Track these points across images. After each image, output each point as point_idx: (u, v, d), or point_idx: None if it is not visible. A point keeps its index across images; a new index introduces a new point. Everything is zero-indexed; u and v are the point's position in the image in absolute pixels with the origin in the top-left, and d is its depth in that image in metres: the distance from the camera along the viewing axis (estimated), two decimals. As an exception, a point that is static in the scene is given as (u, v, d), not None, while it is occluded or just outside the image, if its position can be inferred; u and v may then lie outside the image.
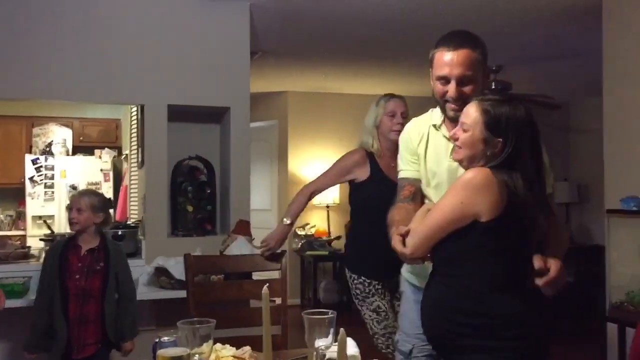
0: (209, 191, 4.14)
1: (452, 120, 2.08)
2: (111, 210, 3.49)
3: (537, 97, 6.05)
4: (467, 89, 2.02)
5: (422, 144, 2.19)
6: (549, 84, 6.40)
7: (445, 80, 2.03)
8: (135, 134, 5.05)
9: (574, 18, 4.46)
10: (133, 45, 3.95)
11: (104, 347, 2.98)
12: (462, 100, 2.00)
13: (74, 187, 6.91)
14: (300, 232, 7.25)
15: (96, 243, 3.03)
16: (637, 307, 2.92)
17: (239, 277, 3.23)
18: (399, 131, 2.40)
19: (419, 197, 2.23)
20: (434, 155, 2.17)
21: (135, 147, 4.99)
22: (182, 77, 4.01)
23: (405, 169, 2.25)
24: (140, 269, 3.59)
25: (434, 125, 2.18)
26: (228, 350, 1.90)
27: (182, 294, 3.01)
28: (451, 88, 2.02)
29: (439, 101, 2.09)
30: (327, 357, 1.52)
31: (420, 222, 1.87)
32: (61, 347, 2.88)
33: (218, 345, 1.86)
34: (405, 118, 3.02)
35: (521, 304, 1.74)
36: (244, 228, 3.89)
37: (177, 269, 3.45)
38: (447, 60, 2.01)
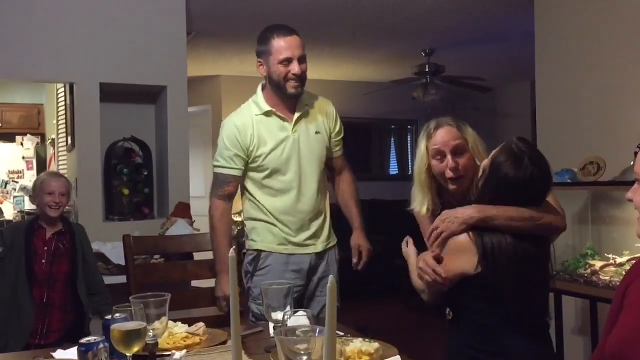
0: (145, 173, 4.01)
1: (291, 98, 2.37)
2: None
3: (469, 79, 6.21)
4: (303, 66, 2.34)
5: (255, 136, 2.36)
6: (477, 67, 6.57)
7: (288, 61, 2.31)
8: (63, 116, 4.82)
9: (502, 2, 4.58)
10: (62, 20, 3.74)
11: (69, 333, 2.84)
12: (301, 79, 2.34)
13: (-7, 176, 6.54)
14: (237, 219, 7.17)
15: (60, 226, 2.94)
16: (572, 275, 3.04)
17: (180, 258, 3.15)
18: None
19: (234, 195, 2.46)
20: (274, 142, 2.37)
21: (64, 130, 4.76)
22: (115, 55, 3.84)
23: (231, 165, 2.39)
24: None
25: (265, 113, 2.38)
26: (181, 327, 1.85)
27: (122, 279, 2.90)
28: (295, 67, 2.31)
29: (280, 82, 2.33)
30: (288, 326, 1.48)
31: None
32: (25, 334, 2.74)
33: (170, 323, 1.80)
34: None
35: (534, 340, 1.75)
36: (183, 210, 3.80)
37: (115, 254, 3.33)
38: (288, 44, 2.32)
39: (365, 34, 5.60)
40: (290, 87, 2.35)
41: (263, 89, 2.44)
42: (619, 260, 2.89)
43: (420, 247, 1.99)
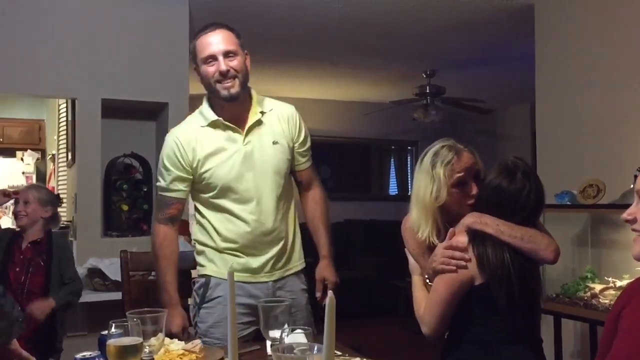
0: (145, 190, 4.00)
1: (228, 100, 2.07)
2: (59, 209, 3.33)
3: (469, 101, 6.24)
4: (233, 62, 2.06)
5: (199, 151, 2.09)
6: (478, 89, 6.60)
7: (213, 58, 2.05)
8: (64, 132, 4.83)
9: (503, 24, 4.62)
10: (65, 35, 3.76)
11: (38, 347, 2.80)
12: (231, 77, 2.05)
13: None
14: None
15: (38, 236, 2.94)
16: (572, 298, 3.02)
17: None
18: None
19: (180, 216, 2.20)
20: (222, 157, 2.09)
21: (65, 145, 4.77)
22: (118, 71, 3.85)
23: (172, 188, 2.13)
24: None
25: (212, 123, 2.10)
26: (177, 344, 1.83)
27: (117, 295, 2.87)
28: (219, 64, 2.04)
29: (210, 85, 2.07)
30: (286, 344, 1.47)
31: (424, 301, 1.83)
32: None
33: (167, 340, 1.78)
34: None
35: (531, 354, 1.77)
36: (181, 228, 3.77)
37: (112, 270, 3.31)
38: (210, 40, 2.06)
39: (366, 55, 5.63)
40: (222, 88, 2.06)
41: (209, 99, 2.16)
42: (619, 283, 2.88)
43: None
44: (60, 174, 5.14)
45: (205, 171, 2.10)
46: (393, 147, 8.39)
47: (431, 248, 1.88)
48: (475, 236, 1.75)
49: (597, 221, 3.21)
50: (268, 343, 1.72)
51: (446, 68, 5.99)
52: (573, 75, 3.60)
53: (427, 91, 6.15)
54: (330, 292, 0.80)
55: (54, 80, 3.75)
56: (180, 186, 2.14)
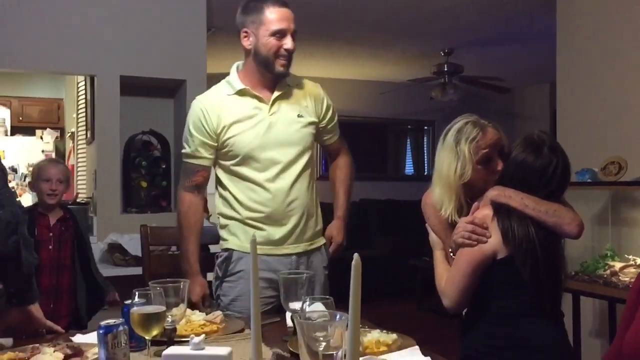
0: (163, 167, 4.03)
1: (281, 77, 2.12)
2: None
3: (487, 79, 6.17)
4: (295, 44, 2.10)
5: (225, 118, 2.10)
6: (496, 68, 6.52)
7: (282, 34, 2.06)
8: (83, 110, 4.86)
9: (523, 1, 4.54)
10: (84, 12, 3.77)
11: (76, 319, 2.85)
12: (290, 56, 2.10)
13: (13, 169, 6.61)
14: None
15: (62, 212, 2.90)
16: (591, 276, 3.00)
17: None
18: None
19: (206, 185, 2.20)
20: (246, 125, 2.10)
21: (84, 123, 4.80)
22: (136, 48, 3.86)
23: (198, 154, 2.14)
24: (92, 246, 3.46)
25: (239, 92, 2.12)
26: (198, 315, 1.85)
27: (138, 270, 2.90)
28: (288, 42, 2.07)
29: (269, 57, 2.08)
30: (308, 317, 1.48)
31: (445, 274, 1.83)
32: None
33: (188, 311, 1.81)
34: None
35: (552, 327, 1.76)
36: (200, 204, 3.80)
37: (132, 245, 3.34)
38: (284, 15, 2.07)
39: (383, 33, 5.58)
40: (279, 64, 2.09)
41: (237, 69, 2.19)
42: (639, 261, 2.85)
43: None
44: (79, 151, 5.19)
45: (229, 137, 2.11)
46: (409, 126, 8.34)
47: (453, 225, 1.86)
48: (500, 209, 1.74)
49: (618, 199, 3.18)
50: (288, 314, 1.74)
51: (464, 46, 5.92)
52: (595, 52, 3.54)
53: (445, 69, 6.10)
54: (356, 255, 0.80)
55: (73, 57, 3.76)
56: (205, 153, 2.14)
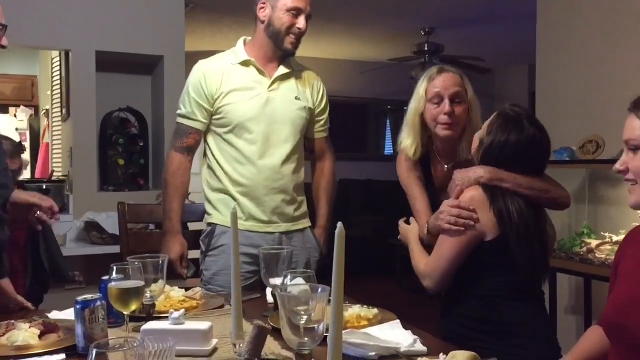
0: (141, 144, 3.97)
1: (288, 55, 2.18)
2: (23, 156, 3.21)
3: (467, 59, 6.17)
4: (307, 26, 2.16)
5: (224, 84, 2.13)
6: (476, 48, 6.52)
7: (297, 12, 2.12)
8: (57, 87, 4.76)
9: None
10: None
11: (30, 299, 2.81)
12: (301, 37, 2.16)
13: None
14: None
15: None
16: (567, 253, 3.04)
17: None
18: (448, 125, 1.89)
19: (196, 149, 2.22)
20: (244, 95, 2.13)
21: (58, 100, 4.71)
22: (112, 23, 3.78)
23: (193, 117, 2.16)
24: (68, 224, 3.41)
25: (244, 62, 2.15)
26: (178, 292, 1.84)
27: (115, 249, 2.87)
28: (301, 21, 2.13)
29: (280, 32, 2.12)
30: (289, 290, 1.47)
31: (423, 256, 1.80)
32: None
33: (167, 287, 1.79)
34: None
35: (532, 309, 1.73)
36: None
37: (109, 223, 3.31)
38: None
39: (364, 11, 5.54)
40: (289, 42, 2.13)
41: (245, 43, 2.21)
42: (615, 238, 2.89)
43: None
44: (54, 129, 5.09)
45: (225, 105, 2.13)
46: (389, 106, 8.33)
47: (420, 178, 1.95)
48: (492, 192, 1.69)
49: (595, 177, 3.22)
50: (268, 290, 1.73)
51: (445, 25, 5.91)
52: (574, 32, 3.55)
53: (426, 49, 6.08)
54: (339, 224, 0.79)
55: (47, 32, 3.67)
56: (200, 117, 2.16)
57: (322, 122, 2.33)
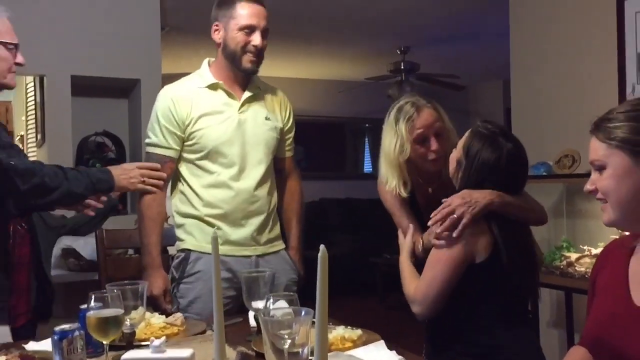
0: (118, 169, 3.92)
1: (248, 74, 2.12)
2: None
3: (443, 77, 6.25)
4: (265, 42, 2.10)
5: (194, 110, 2.08)
6: (452, 66, 6.61)
7: (251, 30, 2.06)
8: (32, 112, 4.70)
9: (476, 1, 4.61)
10: (32, 10, 3.64)
11: (36, 315, 2.72)
12: (260, 54, 2.09)
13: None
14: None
15: None
16: (548, 267, 3.06)
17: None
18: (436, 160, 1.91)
19: (170, 178, 2.16)
20: (216, 119, 2.09)
21: (34, 126, 4.65)
22: (88, 47, 3.75)
23: (165, 144, 2.10)
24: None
25: (211, 85, 2.12)
26: (158, 318, 1.80)
27: (93, 276, 2.82)
28: (256, 38, 2.07)
29: (236, 52, 2.07)
30: (272, 314, 1.45)
31: (414, 279, 1.75)
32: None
33: (147, 314, 1.76)
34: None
35: (523, 330, 1.72)
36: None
37: (87, 250, 3.25)
38: (254, 11, 2.08)
39: (340, 31, 5.59)
40: (247, 60, 2.08)
41: (209, 64, 2.18)
42: (594, 251, 2.92)
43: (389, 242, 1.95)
44: (30, 154, 5.02)
45: (197, 130, 2.08)
46: (367, 125, 8.38)
47: (405, 201, 1.93)
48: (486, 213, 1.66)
49: (573, 191, 3.25)
50: (251, 314, 1.71)
51: (420, 44, 5.99)
52: (547, 48, 3.61)
53: (402, 67, 6.15)
54: (322, 246, 0.78)
55: (21, 57, 3.63)
56: (173, 144, 2.10)
57: (289, 140, 2.31)
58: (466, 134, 1.75)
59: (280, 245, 2.25)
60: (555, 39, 3.56)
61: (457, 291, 1.67)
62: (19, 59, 1.97)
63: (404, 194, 1.91)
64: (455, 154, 1.77)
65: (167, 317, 1.81)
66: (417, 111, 1.87)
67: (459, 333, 1.71)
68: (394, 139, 1.88)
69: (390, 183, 1.91)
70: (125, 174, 2.06)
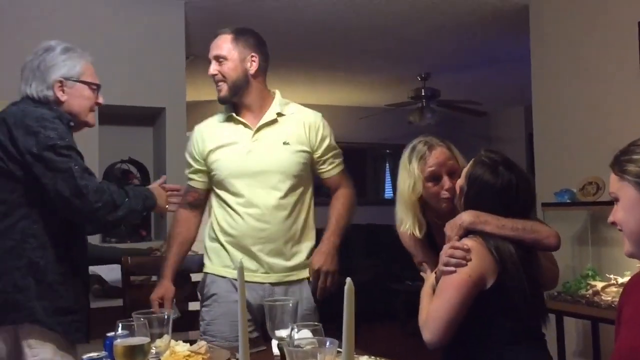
0: (142, 196, 3.97)
1: (220, 102, 2.22)
2: None
3: (464, 103, 6.25)
4: (224, 67, 2.15)
5: (210, 143, 2.21)
6: (473, 92, 6.62)
7: (210, 61, 2.20)
8: (59, 140, 4.79)
9: (497, 25, 4.63)
10: (60, 40, 3.73)
11: None
12: (217, 81, 2.17)
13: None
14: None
15: None
16: (574, 296, 3.02)
17: (178, 279, 3.10)
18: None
19: (202, 205, 2.31)
20: (229, 149, 2.19)
21: (60, 153, 4.74)
22: (114, 76, 3.81)
23: (193, 178, 2.29)
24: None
25: (227, 118, 2.22)
26: (182, 346, 1.81)
27: (118, 302, 2.84)
28: (210, 67, 2.17)
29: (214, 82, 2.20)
30: (296, 344, 1.46)
31: (429, 305, 1.76)
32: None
33: (172, 342, 1.77)
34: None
35: (537, 352, 1.74)
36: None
37: (112, 276, 3.28)
38: (212, 44, 2.20)
39: (361, 59, 5.64)
40: (216, 90, 2.19)
41: None
42: (620, 280, 2.88)
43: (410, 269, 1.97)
44: (56, 181, 5.12)
45: (213, 162, 2.21)
46: (388, 151, 8.39)
47: (422, 242, 1.94)
48: (484, 238, 1.71)
49: (597, 219, 3.22)
50: (274, 343, 1.71)
51: (441, 71, 6.01)
52: (569, 74, 3.61)
53: (422, 94, 6.17)
54: (348, 279, 0.79)
55: (50, 87, 3.72)
56: (195, 176, 2.28)
57: (329, 160, 2.28)
58: (470, 163, 1.81)
59: (300, 274, 2.22)
60: (577, 63, 3.56)
61: (471, 316, 1.69)
62: (100, 99, 2.19)
63: (418, 234, 1.93)
64: (459, 181, 1.83)
65: (191, 344, 1.82)
66: (429, 149, 1.90)
67: (472, 355, 1.73)
68: (407, 179, 1.91)
69: (405, 224, 1.94)
70: (160, 195, 2.12)
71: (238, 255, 2.16)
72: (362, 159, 8.28)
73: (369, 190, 8.39)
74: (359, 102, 7.55)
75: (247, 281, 2.07)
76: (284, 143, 2.19)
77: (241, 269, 1.19)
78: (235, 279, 2.08)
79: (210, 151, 2.20)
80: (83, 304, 2.01)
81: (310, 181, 2.27)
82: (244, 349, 1.24)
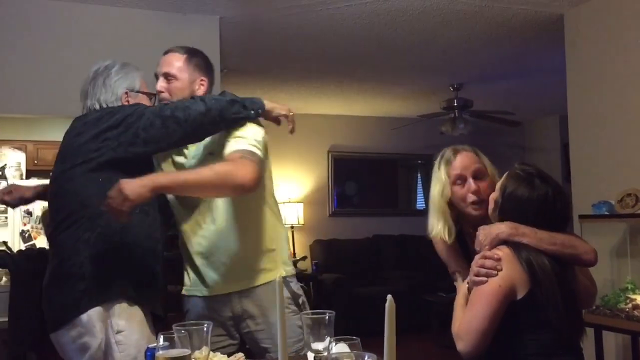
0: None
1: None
2: None
3: (498, 113, 6.20)
4: (171, 85, 2.14)
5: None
6: (506, 102, 6.56)
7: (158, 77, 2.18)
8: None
9: (531, 35, 4.60)
10: (93, 58, 3.83)
11: None
12: (162, 99, 2.14)
13: (28, 213, 6.65)
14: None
15: None
16: (612, 310, 2.97)
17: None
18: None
19: None
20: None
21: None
22: (154, 89, 3.91)
23: None
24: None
25: None
26: (220, 357, 1.84)
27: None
28: (158, 83, 2.16)
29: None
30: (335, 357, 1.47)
31: (462, 315, 1.76)
32: None
33: (210, 353, 1.80)
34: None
35: None
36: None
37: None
38: (160, 61, 2.20)
39: (393, 70, 5.65)
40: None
41: None
42: (661, 294, 2.82)
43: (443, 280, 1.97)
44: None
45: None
46: (420, 161, 8.36)
47: (455, 249, 1.97)
48: (517, 249, 1.71)
49: (636, 231, 3.17)
50: (310, 355, 1.72)
51: (473, 81, 5.98)
52: (605, 84, 3.56)
53: (455, 104, 6.13)
54: (389, 297, 0.80)
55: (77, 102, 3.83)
56: None
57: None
58: (504, 176, 1.83)
59: (266, 278, 2.11)
60: (613, 72, 3.51)
61: (505, 327, 1.68)
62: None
63: (447, 239, 1.95)
64: (493, 195, 1.84)
65: (228, 356, 1.85)
66: (455, 154, 1.96)
67: None
68: (436, 184, 1.97)
69: (435, 228, 1.97)
70: None
71: (197, 269, 2.14)
72: (394, 169, 8.26)
73: (401, 201, 8.36)
74: (391, 112, 7.55)
75: (208, 296, 2.11)
76: (209, 154, 2.09)
77: (281, 284, 1.21)
78: (199, 296, 2.13)
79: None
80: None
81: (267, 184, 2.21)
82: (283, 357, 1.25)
